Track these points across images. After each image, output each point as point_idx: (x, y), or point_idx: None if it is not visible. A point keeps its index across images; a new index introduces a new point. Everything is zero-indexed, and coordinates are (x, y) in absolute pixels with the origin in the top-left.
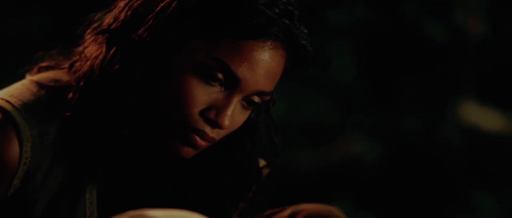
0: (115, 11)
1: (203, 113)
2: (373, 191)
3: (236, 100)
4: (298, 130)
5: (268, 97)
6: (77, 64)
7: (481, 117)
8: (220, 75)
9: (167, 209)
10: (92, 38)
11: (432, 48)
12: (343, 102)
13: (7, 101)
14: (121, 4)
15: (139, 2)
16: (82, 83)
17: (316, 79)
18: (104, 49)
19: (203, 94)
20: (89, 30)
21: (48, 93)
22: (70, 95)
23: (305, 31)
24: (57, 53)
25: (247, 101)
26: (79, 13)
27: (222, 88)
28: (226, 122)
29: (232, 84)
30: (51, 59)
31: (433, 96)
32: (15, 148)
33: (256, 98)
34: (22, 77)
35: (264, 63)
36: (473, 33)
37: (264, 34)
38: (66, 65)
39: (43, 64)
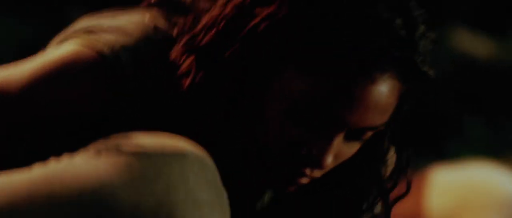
0: (206, 20)
1: (300, 153)
2: None
3: (338, 139)
4: None
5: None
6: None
7: (472, 43)
8: (318, 113)
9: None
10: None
11: None
12: None
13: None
14: (214, 13)
15: (231, 13)
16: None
17: None
18: (193, 68)
19: (301, 133)
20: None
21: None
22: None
23: (427, 48)
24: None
25: (356, 136)
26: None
27: (322, 127)
28: (328, 162)
29: (333, 122)
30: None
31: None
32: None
33: (367, 133)
34: None
35: (370, 101)
36: None
37: (371, 69)
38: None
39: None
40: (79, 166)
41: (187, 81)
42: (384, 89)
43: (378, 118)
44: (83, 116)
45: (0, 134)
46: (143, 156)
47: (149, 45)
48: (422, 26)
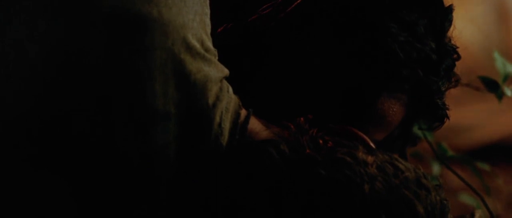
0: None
1: None
2: None
3: None
4: None
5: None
6: None
7: None
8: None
9: None
10: None
11: None
12: None
13: None
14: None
15: None
16: None
17: None
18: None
19: None
20: None
21: None
22: None
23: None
24: None
25: None
26: None
27: None
28: None
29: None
30: None
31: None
32: None
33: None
34: None
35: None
36: None
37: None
38: None
39: None
40: None
41: None
42: (395, 105)
43: (380, 134)
44: None
45: None
46: None
47: None
48: (450, 57)
